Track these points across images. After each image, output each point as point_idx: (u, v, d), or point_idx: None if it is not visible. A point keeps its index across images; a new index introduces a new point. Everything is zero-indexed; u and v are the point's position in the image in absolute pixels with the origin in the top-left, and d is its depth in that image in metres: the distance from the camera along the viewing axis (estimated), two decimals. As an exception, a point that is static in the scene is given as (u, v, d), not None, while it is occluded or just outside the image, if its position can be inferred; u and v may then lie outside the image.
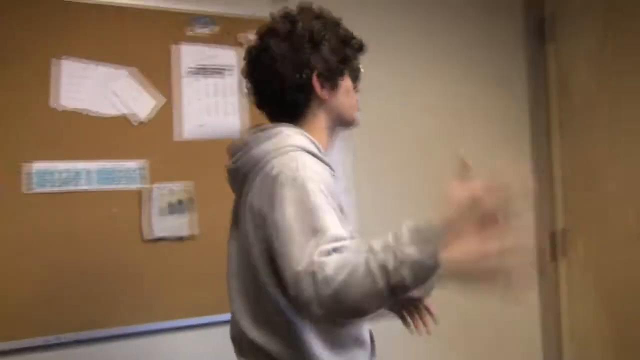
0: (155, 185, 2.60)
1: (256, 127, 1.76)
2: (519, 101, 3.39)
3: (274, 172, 1.57)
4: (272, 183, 1.56)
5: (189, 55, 2.68)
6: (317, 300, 1.38)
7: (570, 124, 3.16)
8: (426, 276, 1.34)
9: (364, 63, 1.85)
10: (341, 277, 1.36)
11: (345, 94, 1.78)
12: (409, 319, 1.90)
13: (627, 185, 3.00)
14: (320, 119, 1.76)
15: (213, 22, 2.72)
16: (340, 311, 1.39)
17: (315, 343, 1.63)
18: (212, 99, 2.72)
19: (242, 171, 1.71)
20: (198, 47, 2.70)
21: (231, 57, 2.75)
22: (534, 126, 3.38)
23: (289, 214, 1.49)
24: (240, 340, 1.73)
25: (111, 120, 2.55)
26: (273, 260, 1.54)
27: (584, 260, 3.14)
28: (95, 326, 2.50)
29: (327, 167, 1.70)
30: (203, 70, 2.71)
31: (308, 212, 1.48)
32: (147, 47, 2.61)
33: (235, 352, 1.76)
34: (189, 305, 2.63)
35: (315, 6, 1.78)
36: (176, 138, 2.65)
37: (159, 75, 2.63)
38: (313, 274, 1.38)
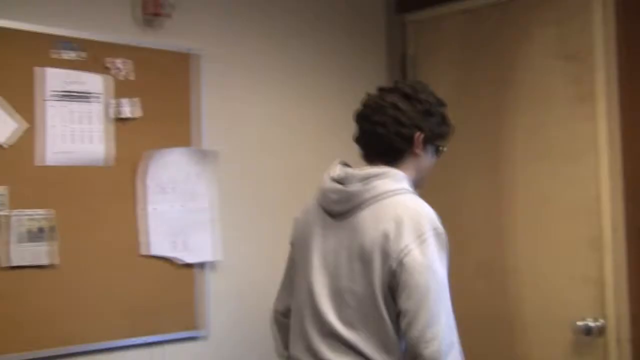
0: (15, 212, 2.51)
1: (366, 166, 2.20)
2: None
3: (415, 213, 2.04)
4: (418, 226, 2.01)
5: (53, 79, 2.61)
6: None
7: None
8: None
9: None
10: None
11: (429, 159, 2.23)
12: None
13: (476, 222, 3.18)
14: (409, 170, 2.17)
15: (80, 47, 2.66)
16: None
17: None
18: (77, 125, 2.66)
19: (361, 199, 2.10)
20: (63, 71, 2.63)
21: (98, 83, 2.69)
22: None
23: (441, 272, 2.00)
24: (331, 338, 2.09)
25: (-32, 144, 2.46)
26: (393, 290, 2.00)
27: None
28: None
29: None
30: (68, 96, 2.64)
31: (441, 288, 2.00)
32: (8, 69, 2.53)
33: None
34: (47, 336, 2.55)
35: (429, 86, 2.26)
36: (38, 164, 2.57)
37: (21, 99, 2.54)
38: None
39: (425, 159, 2.21)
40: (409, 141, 2.16)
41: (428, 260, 1.98)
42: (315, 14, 3.33)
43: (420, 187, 2.23)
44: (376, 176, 2.11)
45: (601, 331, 2.82)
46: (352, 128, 3.32)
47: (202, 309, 2.91)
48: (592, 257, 2.86)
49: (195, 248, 2.89)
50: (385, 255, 2.01)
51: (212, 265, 2.94)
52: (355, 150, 3.31)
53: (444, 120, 2.24)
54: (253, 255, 3.07)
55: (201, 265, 2.91)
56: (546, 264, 2.98)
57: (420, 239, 1.99)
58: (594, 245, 2.86)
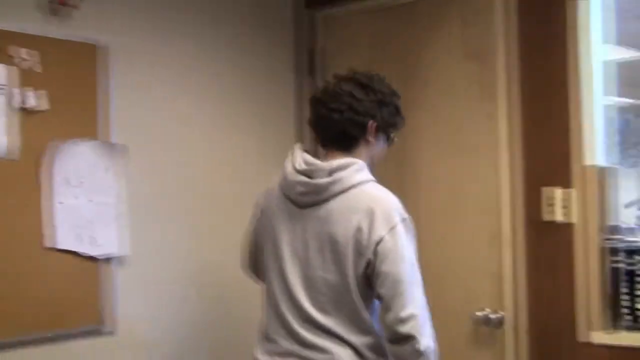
0: None
1: (327, 156, 2.34)
2: (289, 135, 3.53)
3: (384, 204, 2.23)
4: (388, 217, 2.20)
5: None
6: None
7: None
8: None
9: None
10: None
11: (381, 147, 2.38)
12: None
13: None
14: (362, 157, 2.32)
15: (-19, 36, 2.60)
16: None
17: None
18: (-21, 117, 2.60)
19: (331, 191, 2.25)
20: (-37, 60, 2.56)
21: (0, 73, 2.63)
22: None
23: (412, 257, 2.22)
24: (309, 323, 2.27)
25: None
26: (365, 276, 2.20)
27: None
28: None
29: None
30: (-31, 86, 2.58)
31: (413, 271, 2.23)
32: None
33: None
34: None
35: (384, 78, 2.41)
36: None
37: None
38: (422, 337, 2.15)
39: (377, 146, 2.37)
40: (363, 129, 2.32)
41: (400, 247, 2.19)
42: (224, 7, 3.33)
43: (374, 165, 2.38)
44: (341, 168, 2.27)
45: (500, 322, 2.93)
46: (260, 122, 3.39)
47: (108, 304, 2.88)
48: (493, 251, 2.97)
49: (102, 242, 2.86)
50: (360, 246, 2.20)
51: (119, 259, 2.92)
52: (267, 145, 3.38)
53: (397, 111, 2.40)
54: (161, 250, 3.06)
55: (108, 260, 2.89)
56: (453, 257, 3.07)
57: (392, 228, 2.20)
58: (495, 239, 2.96)
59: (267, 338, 2.39)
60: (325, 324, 2.25)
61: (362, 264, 2.21)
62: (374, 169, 2.36)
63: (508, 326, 2.93)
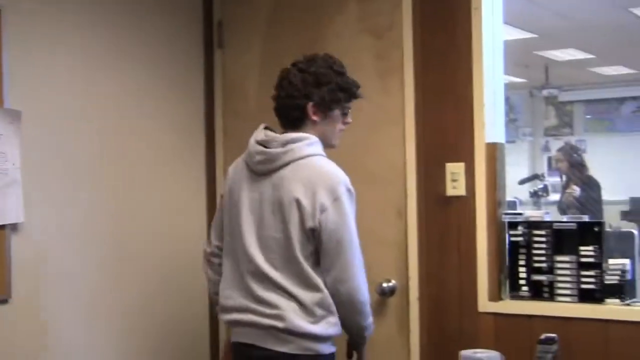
0: None
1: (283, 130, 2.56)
2: (196, 107, 3.47)
3: (330, 177, 2.47)
4: (332, 188, 2.44)
5: None
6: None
7: (246, 127, 3.31)
8: None
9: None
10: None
11: (330, 123, 2.56)
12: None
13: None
14: (314, 133, 2.53)
15: None
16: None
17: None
18: None
19: (282, 160, 2.48)
20: None
21: None
22: (209, 131, 3.50)
23: (351, 225, 2.47)
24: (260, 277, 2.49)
25: None
26: (309, 238, 2.44)
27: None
28: None
29: None
30: None
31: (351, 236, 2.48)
32: None
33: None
34: None
35: (330, 57, 2.58)
36: None
37: None
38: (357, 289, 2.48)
39: (327, 124, 2.56)
40: (302, 111, 2.52)
41: (341, 216, 2.44)
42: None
43: (329, 147, 2.57)
44: (294, 140, 2.49)
45: (405, 292, 3.03)
46: (166, 94, 3.30)
47: (2, 272, 2.73)
48: (397, 224, 3.04)
49: (-4, 210, 2.71)
50: (304, 212, 2.43)
51: (14, 227, 2.77)
52: (164, 115, 3.31)
53: (339, 88, 2.54)
54: (57, 218, 2.93)
55: (2, 227, 2.74)
56: (359, 230, 3.10)
57: (335, 199, 2.43)
58: (400, 212, 3.04)
59: (224, 295, 2.59)
60: (275, 279, 2.46)
61: (306, 229, 2.43)
62: (332, 144, 2.58)
63: (413, 296, 3.01)
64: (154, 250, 3.25)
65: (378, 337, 3.01)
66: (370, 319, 2.55)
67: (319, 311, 2.45)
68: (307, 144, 2.50)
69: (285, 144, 2.49)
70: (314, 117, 2.53)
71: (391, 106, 3.07)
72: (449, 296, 2.99)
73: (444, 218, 3.01)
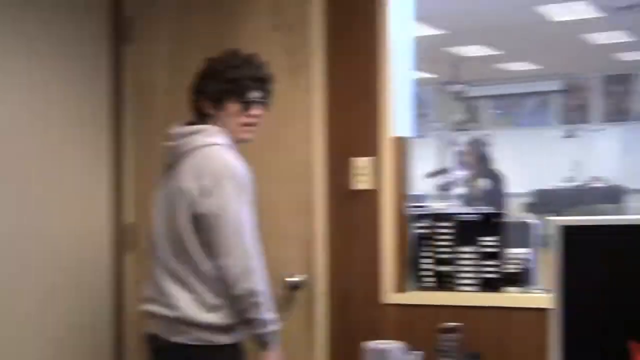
0: None
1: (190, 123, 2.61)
2: (104, 102, 3.40)
3: (216, 163, 2.49)
4: (216, 172, 2.46)
5: None
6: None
7: (151, 122, 3.28)
8: None
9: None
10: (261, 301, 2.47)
11: (228, 116, 2.59)
12: None
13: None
14: (223, 124, 2.58)
15: None
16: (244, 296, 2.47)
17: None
18: None
19: (181, 151, 2.54)
20: None
21: None
22: (113, 125, 3.43)
23: (237, 209, 2.47)
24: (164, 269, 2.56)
25: None
26: (197, 226, 2.47)
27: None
28: None
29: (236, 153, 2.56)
30: None
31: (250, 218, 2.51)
32: None
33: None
34: None
35: (230, 50, 2.65)
36: None
37: None
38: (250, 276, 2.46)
39: (224, 117, 2.59)
40: (200, 105, 2.60)
41: (227, 201, 2.45)
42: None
43: (240, 141, 2.61)
44: (193, 132, 2.56)
45: (311, 287, 3.04)
46: (72, 89, 3.23)
47: None
48: (303, 218, 3.06)
49: None
50: (189, 199, 2.47)
51: None
52: (70, 110, 3.23)
53: (227, 80, 2.56)
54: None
55: None
56: (265, 224, 3.10)
57: (218, 183, 2.45)
58: (306, 206, 3.05)
59: (145, 285, 2.68)
60: (172, 269, 2.53)
61: (194, 216, 2.47)
62: (241, 137, 2.61)
63: (318, 291, 3.04)
64: (57, 248, 3.18)
65: (284, 332, 3.02)
66: (269, 314, 2.50)
67: (214, 300, 2.48)
68: (205, 135, 2.54)
69: (184, 136, 2.56)
70: (209, 111, 2.58)
71: (299, 102, 3.08)
72: (354, 289, 3.04)
73: (350, 212, 3.05)
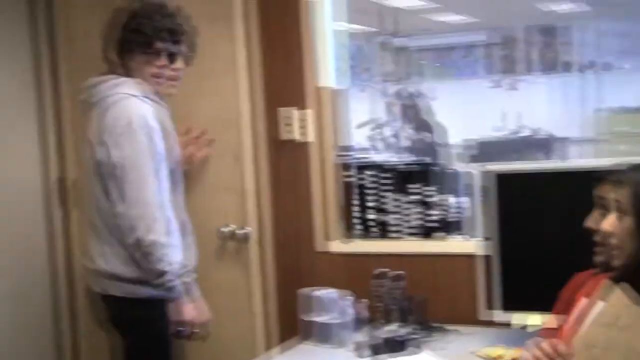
0: None
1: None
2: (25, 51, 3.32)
3: (116, 113, 2.48)
4: (116, 119, 2.46)
5: None
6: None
7: (80, 71, 3.21)
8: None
9: None
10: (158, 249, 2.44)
11: (138, 68, 2.59)
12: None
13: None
14: (134, 75, 2.59)
15: None
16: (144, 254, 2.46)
17: None
18: None
19: (89, 102, 2.58)
20: None
21: None
22: (38, 82, 3.35)
23: (133, 158, 2.44)
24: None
25: None
26: (100, 177, 2.50)
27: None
28: None
29: (154, 104, 2.57)
30: None
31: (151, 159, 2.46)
32: None
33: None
34: None
35: (147, 3, 2.61)
36: None
37: None
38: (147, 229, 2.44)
39: (135, 67, 2.59)
40: (109, 56, 2.61)
41: (122, 151, 2.44)
42: None
43: (161, 93, 2.63)
44: (101, 82, 2.57)
45: (245, 237, 3.05)
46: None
47: None
48: (235, 169, 3.05)
49: None
50: (92, 150, 2.52)
51: None
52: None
53: (130, 30, 2.57)
54: None
55: None
56: (197, 175, 3.11)
57: (118, 134, 2.45)
58: (237, 157, 3.04)
59: None
60: (92, 223, 2.63)
61: (96, 166, 2.53)
62: (160, 87, 2.62)
63: (252, 240, 3.05)
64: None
65: (220, 282, 3.06)
66: (162, 264, 2.46)
67: (124, 252, 2.52)
68: (112, 85, 2.55)
69: (92, 87, 2.58)
70: (116, 60, 2.59)
71: (224, 54, 3.04)
72: (287, 238, 3.06)
73: (280, 162, 3.06)
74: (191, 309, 2.56)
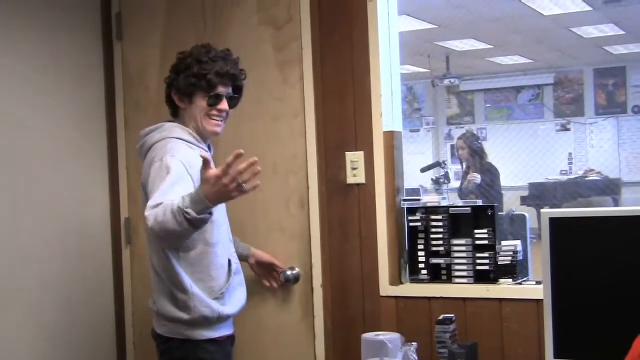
0: None
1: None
2: (96, 99, 3.44)
3: (153, 154, 2.60)
4: (155, 156, 2.56)
5: None
6: (149, 231, 2.42)
7: (147, 119, 3.29)
8: (201, 208, 2.34)
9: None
10: (157, 218, 2.37)
11: (196, 109, 2.67)
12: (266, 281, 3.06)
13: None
14: (185, 121, 2.70)
15: None
16: (163, 238, 2.44)
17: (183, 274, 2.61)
18: None
19: (143, 150, 2.69)
20: None
21: None
22: (111, 123, 3.48)
23: (152, 178, 2.52)
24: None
25: None
26: None
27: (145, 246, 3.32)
28: None
29: (199, 148, 2.63)
30: None
31: (160, 179, 2.49)
32: None
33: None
34: None
35: (201, 45, 2.73)
36: None
37: None
38: (145, 218, 2.39)
39: (193, 109, 2.67)
40: (171, 99, 2.71)
41: (151, 174, 2.54)
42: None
43: (211, 135, 2.72)
44: (151, 130, 2.70)
45: (309, 280, 3.08)
46: (64, 87, 3.24)
47: None
48: (300, 213, 3.08)
49: None
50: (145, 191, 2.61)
51: None
52: (63, 108, 3.25)
53: (193, 74, 2.64)
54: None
55: None
56: (261, 219, 3.14)
57: (153, 163, 2.57)
58: (300, 200, 3.08)
59: None
60: (152, 264, 2.70)
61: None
62: (206, 130, 2.68)
63: (316, 282, 3.07)
64: (57, 246, 3.20)
65: (284, 324, 3.08)
66: (152, 221, 2.39)
67: (179, 295, 2.60)
68: (160, 131, 2.66)
69: (144, 135, 2.71)
70: (179, 104, 2.70)
71: (291, 97, 3.10)
72: (351, 282, 3.06)
73: (345, 206, 3.07)
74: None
